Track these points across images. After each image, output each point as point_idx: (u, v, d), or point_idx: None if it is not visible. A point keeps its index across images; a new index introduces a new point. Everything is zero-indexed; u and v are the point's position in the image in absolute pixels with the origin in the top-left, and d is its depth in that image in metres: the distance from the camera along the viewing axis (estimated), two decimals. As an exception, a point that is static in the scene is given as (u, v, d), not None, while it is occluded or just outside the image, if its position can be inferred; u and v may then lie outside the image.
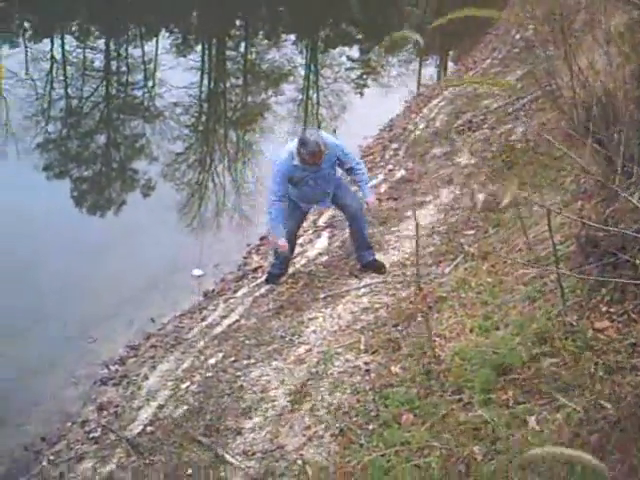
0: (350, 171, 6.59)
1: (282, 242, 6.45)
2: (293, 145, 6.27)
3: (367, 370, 5.08)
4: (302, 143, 6.12)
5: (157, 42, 19.25)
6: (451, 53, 19.19)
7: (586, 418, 3.76)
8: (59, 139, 12.14)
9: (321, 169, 6.34)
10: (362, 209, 6.73)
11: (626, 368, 3.94)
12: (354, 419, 4.57)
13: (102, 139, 12.61)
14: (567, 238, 5.32)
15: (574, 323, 4.45)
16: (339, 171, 6.77)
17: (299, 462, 4.42)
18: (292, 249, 6.89)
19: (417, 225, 4.56)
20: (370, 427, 4.44)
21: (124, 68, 17.12)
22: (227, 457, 4.66)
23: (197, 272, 7.58)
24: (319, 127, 12.87)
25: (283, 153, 6.36)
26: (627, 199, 4.38)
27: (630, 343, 4.12)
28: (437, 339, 5.04)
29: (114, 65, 17.48)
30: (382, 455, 4.08)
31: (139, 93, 15.36)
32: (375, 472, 3.98)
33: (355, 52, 19.85)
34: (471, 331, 4.95)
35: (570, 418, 3.80)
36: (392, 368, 4.93)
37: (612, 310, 4.45)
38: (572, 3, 8.61)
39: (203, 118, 14.66)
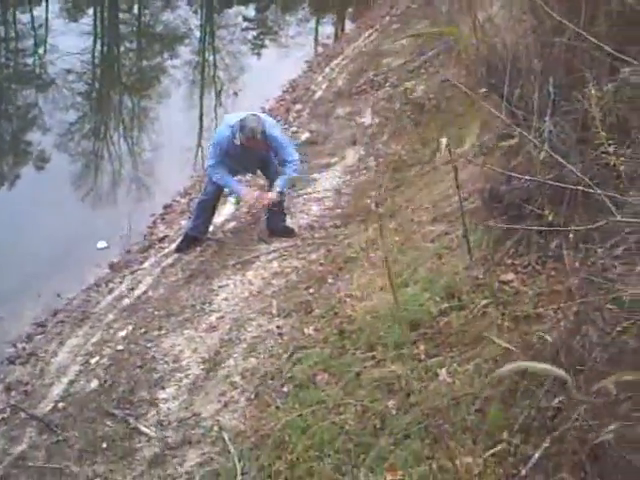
0: (281, 163, 6.53)
1: (246, 190, 6.74)
2: (235, 121, 6.29)
3: (280, 334, 5.08)
4: (241, 126, 6.21)
5: (47, 6, 18.47)
6: (348, 11, 19.15)
7: (496, 367, 3.85)
8: (-55, 111, 11.60)
9: (254, 151, 6.42)
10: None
11: (532, 317, 4.04)
12: (269, 382, 4.58)
13: (-7, 110, 12.12)
14: (470, 194, 5.40)
15: (480, 276, 4.55)
16: None
17: (215, 428, 4.41)
18: (212, 213, 6.92)
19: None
20: (285, 389, 4.46)
21: (13, 34, 16.43)
22: (142, 428, 4.62)
23: (101, 244, 7.39)
24: (218, 92, 12.68)
25: (224, 127, 6.43)
26: (530, 149, 4.48)
27: (535, 293, 4.22)
28: (348, 299, 5.07)
29: (2, 31, 16.73)
30: (299, 415, 4.09)
31: (29, 60, 14.82)
32: (293, 432, 4.00)
33: (251, 11, 19.57)
34: (381, 289, 4.99)
35: (480, 368, 3.89)
36: (305, 330, 4.95)
37: (517, 262, 4.56)
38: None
39: (97, 85, 14.25)
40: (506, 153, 5.27)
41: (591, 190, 3.08)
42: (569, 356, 3.30)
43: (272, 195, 6.53)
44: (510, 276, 4.47)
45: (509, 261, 4.58)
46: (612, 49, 4.51)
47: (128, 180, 9.60)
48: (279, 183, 6.50)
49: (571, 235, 4.05)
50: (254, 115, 6.44)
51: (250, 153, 6.41)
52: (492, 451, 3.26)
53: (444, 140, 3.85)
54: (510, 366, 2.33)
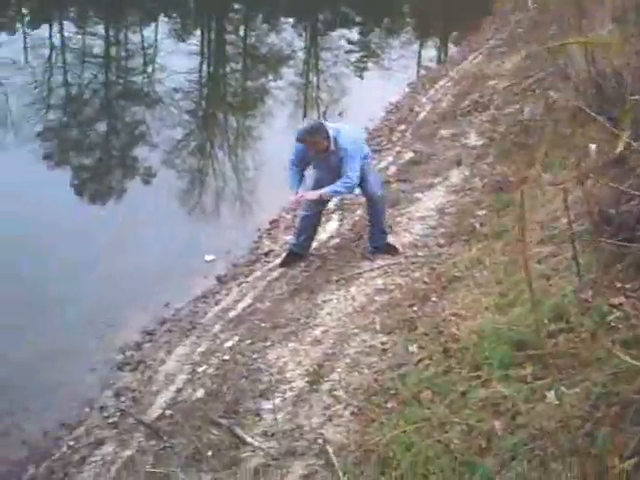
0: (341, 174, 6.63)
1: (293, 197, 6.80)
2: None
3: (384, 350, 5.11)
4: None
5: (156, 27, 19.19)
6: (452, 34, 19.16)
7: (605, 392, 3.79)
8: (59, 127, 12.09)
9: (327, 158, 6.55)
10: (384, 198, 6.90)
11: (643, 343, 3.96)
12: (373, 398, 4.60)
13: (102, 126, 12.55)
14: (579, 217, 5.33)
15: (589, 299, 4.48)
16: (367, 149, 6.95)
17: (319, 441, 4.45)
18: (314, 231, 7.09)
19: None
20: (389, 405, 4.46)
21: (123, 54, 17.08)
22: (247, 438, 4.67)
23: (209, 257, 7.59)
24: (324, 113, 12.83)
25: None
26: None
27: (646, 318, 4.14)
28: (453, 318, 5.07)
29: (113, 51, 17.41)
30: (403, 432, 4.10)
31: (139, 79, 15.33)
32: (397, 448, 4.01)
33: (355, 34, 19.79)
34: (487, 309, 4.97)
35: (589, 391, 3.83)
36: (409, 347, 4.96)
37: (627, 286, 4.47)
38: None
39: (203, 103, 14.63)
40: (617, 175, 5.20)
41: None
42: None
43: (312, 194, 6.69)
44: (620, 299, 4.39)
45: (619, 284, 4.50)
46: None
47: (233, 196, 9.81)
48: (325, 189, 6.64)
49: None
50: (316, 123, 6.62)
51: (321, 159, 6.61)
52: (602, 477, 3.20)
53: (593, 146, 3.81)
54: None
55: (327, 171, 6.68)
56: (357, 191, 6.92)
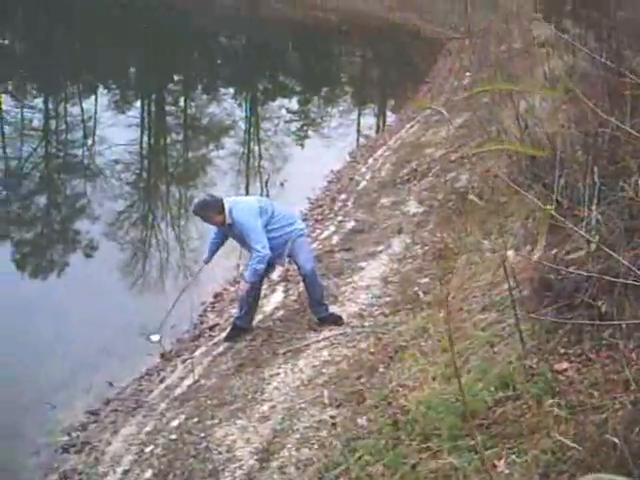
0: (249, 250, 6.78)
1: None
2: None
3: (333, 424, 5.08)
4: None
5: (95, 99, 19.23)
6: (390, 103, 19.63)
7: (553, 459, 3.82)
8: (-2, 201, 11.96)
9: (231, 231, 6.78)
10: (315, 271, 6.93)
11: (588, 407, 4.02)
12: (324, 474, 4.55)
13: (43, 200, 12.46)
14: (520, 282, 5.42)
15: (534, 366, 4.54)
16: (300, 225, 7.00)
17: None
18: (256, 303, 7.12)
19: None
20: (341, 481, 4.42)
21: (63, 126, 17.07)
22: (197, 521, 4.60)
23: (155, 338, 7.45)
24: (266, 182, 12.94)
25: None
26: (578, 239, 4.53)
27: (590, 383, 4.21)
28: (401, 389, 5.08)
29: (53, 124, 17.40)
30: (355, 509, 4.07)
31: (79, 151, 15.32)
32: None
33: (294, 104, 20.15)
34: (434, 379, 4.99)
35: (538, 459, 3.86)
36: (358, 420, 4.94)
37: (570, 351, 4.56)
38: (508, 49, 8.94)
39: (144, 175, 14.64)
40: (551, 243, 5.34)
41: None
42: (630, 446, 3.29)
43: (241, 285, 6.84)
44: (564, 365, 4.47)
45: (562, 350, 4.59)
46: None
47: (177, 268, 9.76)
48: (245, 274, 6.81)
49: (624, 324, 4.07)
50: (207, 198, 6.86)
51: (229, 231, 6.79)
52: None
53: (511, 252, 3.93)
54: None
55: (241, 243, 6.88)
56: (286, 260, 6.99)
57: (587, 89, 5.94)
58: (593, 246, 4.40)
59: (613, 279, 3.73)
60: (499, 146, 6.90)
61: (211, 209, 6.61)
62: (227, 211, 6.55)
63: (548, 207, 3.09)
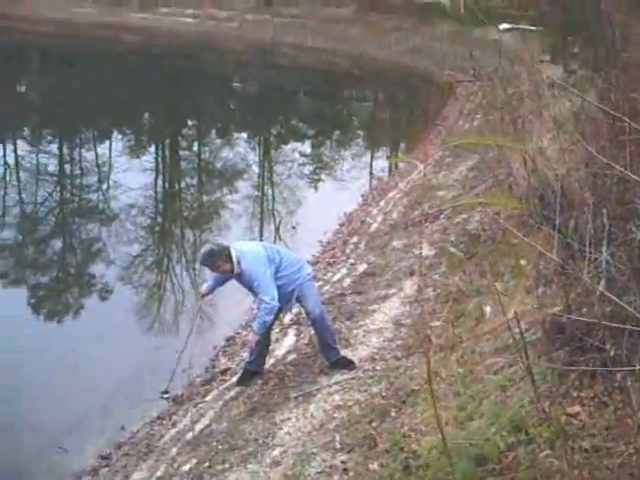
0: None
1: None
2: None
3: (345, 469, 5.05)
4: None
5: (110, 144, 19.49)
6: (401, 145, 19.76)
7: (566, 505, 3.79)
8: (14, 245, 12.08)
9: (239, 280, 6.72)
10: (324, 314, 6.89)
11: (602, 451, 3.99)
12: (336, 520, 4.52)
13: (58, 244, 12.59)
14: (532, 325, 5.42)
15: (546, 410, 4.51)
16: (308, 270, 6.98)
17: None
18: (267, 347, 7.10)
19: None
20: (354, 528, 4.39)
21: (78, 171, 17.29)
22: None
23: (165, 395, 7.40)
24: (278, 226, 13.02)
25: None
26: (588, 283, 4.52)
27: (603, 426, 4.19)
28: (412, 433, 5.05)
29: (68, 169, 17.63)
30: None
31: (94, 196, 15.46)
32: None
33: (307, 147, 20.33)
34: (446, 424, 4.96)
35: (551, 505, 3.82)
36: (370, 466, 4.91)
37: (582, 395, 4.54)
38: (516, 92, 9.02)
39: (159, 219, 14.75)
40: (565, 285, 5.33)
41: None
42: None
43: (250, 337, 6.84)
44: (577, 409, 4.44)
45: (575, 393, 4.56)
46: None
47: (191, 312, 9.76)
48: (253, 325, 6.79)
49: (637, 368, 4.05)
50: (213, 247, 6.74)
51: (236, 279, 6.74)
52: None
53: (488, 308, 3.95)
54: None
55: (250, 291, 6.82)
56: (295, 305, 7.01)
57: (594, 131, 5.99)
58: (601, 287, 4.39)
59: (620, 325, 3.72)
60: (474, 200, 6.92)
61: (218, 258, 6.56)
62: (235, 260, 6.52)
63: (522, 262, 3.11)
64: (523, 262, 3.74)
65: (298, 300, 6.84)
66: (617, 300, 3.55)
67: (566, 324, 4.79)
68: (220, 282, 7.02)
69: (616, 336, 4.20)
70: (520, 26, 18.99)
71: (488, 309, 3.94)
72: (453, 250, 6.54)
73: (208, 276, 10.74)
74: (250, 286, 6.64)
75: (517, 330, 4.69)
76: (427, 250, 8.94)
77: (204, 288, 7.16)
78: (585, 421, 4.29)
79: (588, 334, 4.53)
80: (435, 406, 3.33)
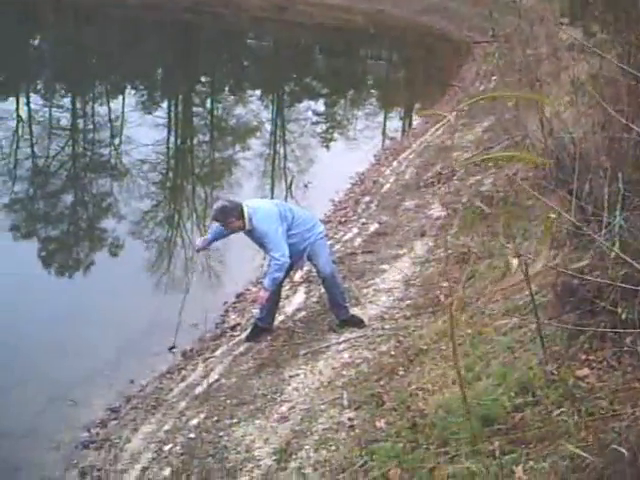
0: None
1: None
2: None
3: (351, 426, 5.07)
4: None
5: (123, 99, 19.41)
6: (416, 105, 19.59)
7: (573, 466, 3.80)
8: (26, 199, 12.06)
9: (250, 236, 6.71)
10: (334, 273, 6.89)
11: (609, 415, 3.99)
12: (342, 476, 4.55)
13: (69, 198, 12.58)
14: (543, 287, 5.39)
15: (554, 372, 4.51)
16: (320, 228, 6.94)
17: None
18: (277, 304, 7.11)
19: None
20: (358, 484, 4.42)
21: (90, 126, 17.22)
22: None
23: (174, 349, 7.41)
24: (290, 184, 12.99)
25: None
26: (601, 245, 4.49)
27: (611, 390, 4.18)
28: (420, 392, 5.07)
29: (80, 123, 17.54)
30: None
31: (106, 151, 15.42)
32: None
33: (320, 106, 20.20)
34: (454, 383, 4.97)
35: (557, 466, 3.83)
36: (377, 423, 4.92)
37: (591, 358, 4.53)
38: (535, 54, 8.88)
39: (170, 175, 14.73)
40: (577, 248, 5.29)
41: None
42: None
43: (261, 293, 6.73)
44: (585, 372, 4.44)
45: (583, 356, 4.56)
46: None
47: (201, 268, 9.78)
48: (264, 281, 6.75)
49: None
50: (226, 203, 6.68)
51: (248, 236, 6.73)
52: None
53: (515, 261, 3.90)
54: None
55: (261, 248, 6.81)
56: (305, 262, 7.00)
57: (613, 94, 5.89)
58: (614, 252, 4.35)
59: (633, 287, 3.69)
60: (493, 155, 6.83)
61: (230, 214, 6.54)
62: (247, 217, 6.50)
63: (552, 215, 3.06)
64: (553, 215, 3.65)
65: (309, 258, 6.84)
66: (632, 262, 3.50)
67: (578, 286, 4.76)
68: (219, 237, 7.00)
69: (628, 299, 4.18)
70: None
71: (515, 262, 3.88)
72: (480, 205, 6.47)
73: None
74: (261, 243, 6.63)
75: (527, 292, 4.69)
76: (439, 211, 8.90)
77: (199, 242, 7.12)
78: (593, 384, 4.29)
79: (600, 297, 4.51)
80: (457, 361, 3.30)
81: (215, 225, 6.92)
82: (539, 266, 3.44)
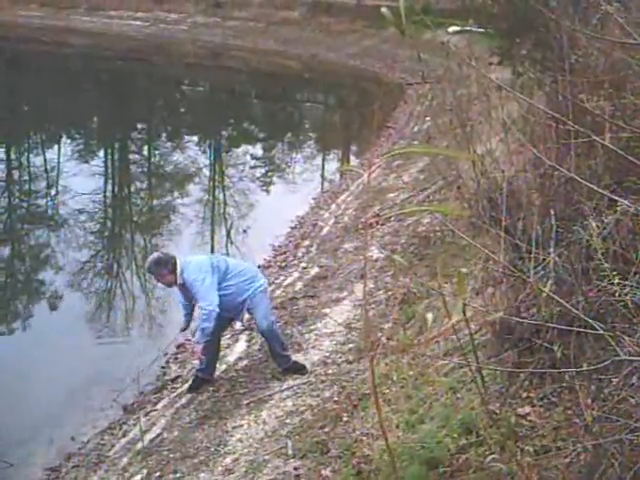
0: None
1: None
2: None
3: (297, 475, 5.01)
4: None
5: (59, 149, 19.18)
6: (353, 148, 19.80)
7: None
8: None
9: (184, 292, 6.73)
10: (272, 326, 6.84)
11: (552, 451, 4.02)
12: (288, 528, 4.49)
13: (6, 251, 12.34)
14: (482, 326, 5.45)
15: (497, 411, 4.53)
16: (260, 281, 6.89)
17: None
18: (217, 354, 7.05)
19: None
20: (304, 536, 4.36)
21: (26, 177, 16.96)
22: None
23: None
24: (229, 230, 12.96)
25: None
26: (535, 285, 4.55)
27: (552, 427, 4.21)
28: (364, 438, 5.04)
29: (16, 174, 17.26)
30: None
31: (42, 202, 15.20)
32: None
33: (258, 150, 20.25)
34: (397, 427, 4.96)
35: (503, 507, 3.84)
36: (322, 472, 4.88)
37: (532, 395, 4.57)
38: (465, 94, 9.07)
39: (109, 224, 14.56)
40: (513, 285, 5.36)
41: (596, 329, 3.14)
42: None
43: (195, 348, 6.77)
44: (527, 409, 4.47)
45: (524, 394, 4.59)
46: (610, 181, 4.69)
47: (141, 318, 9.66)
48: (196, 336, 6.79)
49: (584, 368, 4.08)
50: (160, 255, 6.73)
51: (182, 291, 6.74)
52: None
53: (430, 316, 3.95)
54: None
55: (194, 300, 6.75)
56: (246, 317, 7.00)
57: (541, 133, 6.04)
58: (549, 289, 4.43)
59: (566, 327, 3.75)
60: (419, 208, 6.92)
61: (164, 267, 6.53)
62: (179, 270, 6.49)
63: (463, 270, 3.13)
64: (464, 270, 3.69)
65: (249, 311, 6.82)
66: (563, 302, 3.57)
67: (515, 325, 4.82)
68: (189, 311, 6.96)
69: (563, 336, 4.23)
70: (468, 28, 19.13)
71: (430, 316, 3.94)
72: (397, 258, 6.54)
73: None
74: (192, 295, 6.60)
75: (467, 332, 4.72)
76: (378, 253, 8.95)
77: (183, 322, 7.11)
78: (535, 421, 4.32)
79: (537, 335, 4.57)
80: (380, 413, 3.30)
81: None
82: (462, 312, 3.46)
